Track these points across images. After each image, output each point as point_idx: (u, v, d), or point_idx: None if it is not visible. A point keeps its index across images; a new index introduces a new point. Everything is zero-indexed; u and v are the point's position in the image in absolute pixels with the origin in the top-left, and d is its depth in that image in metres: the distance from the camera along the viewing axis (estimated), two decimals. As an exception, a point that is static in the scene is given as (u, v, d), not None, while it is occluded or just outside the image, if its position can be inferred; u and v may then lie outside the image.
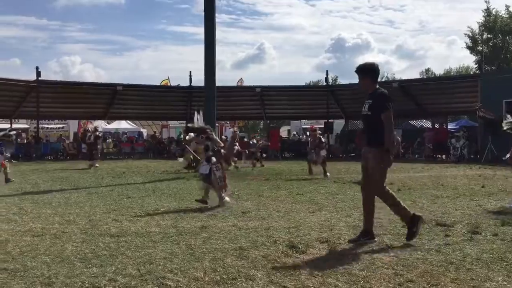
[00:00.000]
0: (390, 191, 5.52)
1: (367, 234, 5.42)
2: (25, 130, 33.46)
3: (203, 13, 15.71)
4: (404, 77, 64.50)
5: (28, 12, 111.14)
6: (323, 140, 15.47)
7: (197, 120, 8.98)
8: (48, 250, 5.14)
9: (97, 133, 20.09)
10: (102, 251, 5.05)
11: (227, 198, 8.39)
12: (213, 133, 8.56)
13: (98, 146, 19.60)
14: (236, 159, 18.17)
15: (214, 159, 8.39)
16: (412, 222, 5.34)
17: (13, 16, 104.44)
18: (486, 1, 40.51)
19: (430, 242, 5.35)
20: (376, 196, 5.48)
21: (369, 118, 5.46)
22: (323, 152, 14.93)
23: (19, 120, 31.69)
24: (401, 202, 5.52)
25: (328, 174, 14.14)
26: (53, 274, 4.22)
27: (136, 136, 32.83)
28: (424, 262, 4.56)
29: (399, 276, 4.13)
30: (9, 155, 13.63)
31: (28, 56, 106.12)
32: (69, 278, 4.10)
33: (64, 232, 6.05)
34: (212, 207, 8.08)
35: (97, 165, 18.32)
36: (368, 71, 5.51)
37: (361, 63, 5.67)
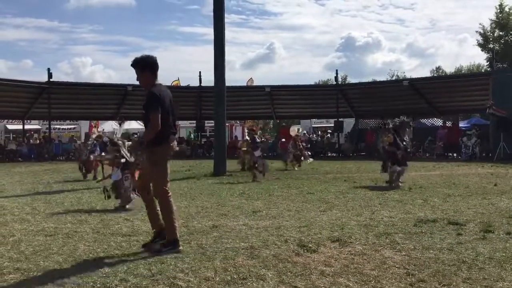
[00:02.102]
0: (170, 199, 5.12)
1: (162, 237, 5.14)
2: (37, 131, 33.80)
3: (213, 14, 15.75)
4: (415, 75, 64.00)
5: (40, 15, 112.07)
6: (257, 140, 14.05)
7: (116, 132, 9.05)
8: (61, 249, 5.18)
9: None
10: (114, 251, 5.08)
11: (131, 205, 8.15)
12: (124, 148, 8.53)
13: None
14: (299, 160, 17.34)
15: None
16: (168, 242, 5.03)
17: (25, 18, 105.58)
18: (500, -3, 40.06)
19: (442, 241, 5.32)
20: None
21: (144, 117, 5.14)
22: (257, 153, 13.57)
23: (31, 121, 31.99)
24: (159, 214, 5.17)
25: (256, 179, 12.88)
26: (66, 273, 4.25)
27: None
28: (436, 261, 4.53)
29: (410, 276, 4.10)
30: (103, 154, 14.24)
31: (40, 58, 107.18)
32: (81, 278, 4.13)
33: (76, 232, 6.09)
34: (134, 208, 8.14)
35: None
36: (147, 64, 5.11)
37: (138, 56, 5.16)
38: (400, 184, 10.86)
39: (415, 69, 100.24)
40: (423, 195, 9.31)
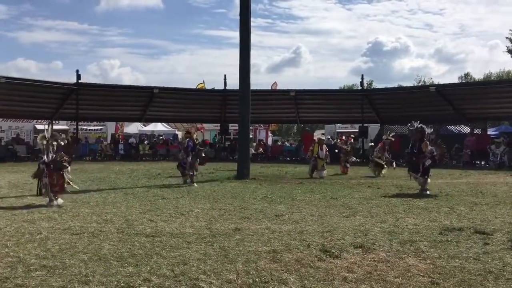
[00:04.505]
0: None
1: None
2: (65, 131, 34.47)
3: (239, 17, 15.83)
4: (443, 81, 63.16)
5: (70, 17, 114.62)
6: (190, 144, 12.97)
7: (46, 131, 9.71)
8: (86, 248, 5.27)
9: None
10: (138, 251, 5.14)
11: (56, 202, 8.61)
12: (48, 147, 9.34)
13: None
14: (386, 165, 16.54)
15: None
16: None
17: (56, 20, 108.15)
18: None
19: (469, 250, 5.22)
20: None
21: None
22: (189, 159, 12.86)
23: (60, 121, 32.62)
24: None
25: (194, 184, 12.39)
26: (90, 272, 4.32)
27: (171, 138, 33.27)
28: (462, 270, 4.45)
29: (435, 285, 4.04)
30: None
31: (70, 60, 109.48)
32: (105, 277, 4.19)
33: (102, 231, 6.19)
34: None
35: None
36: None
37: None
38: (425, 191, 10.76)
39: (443, 75, 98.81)
40: (449, 203, 9.15)
